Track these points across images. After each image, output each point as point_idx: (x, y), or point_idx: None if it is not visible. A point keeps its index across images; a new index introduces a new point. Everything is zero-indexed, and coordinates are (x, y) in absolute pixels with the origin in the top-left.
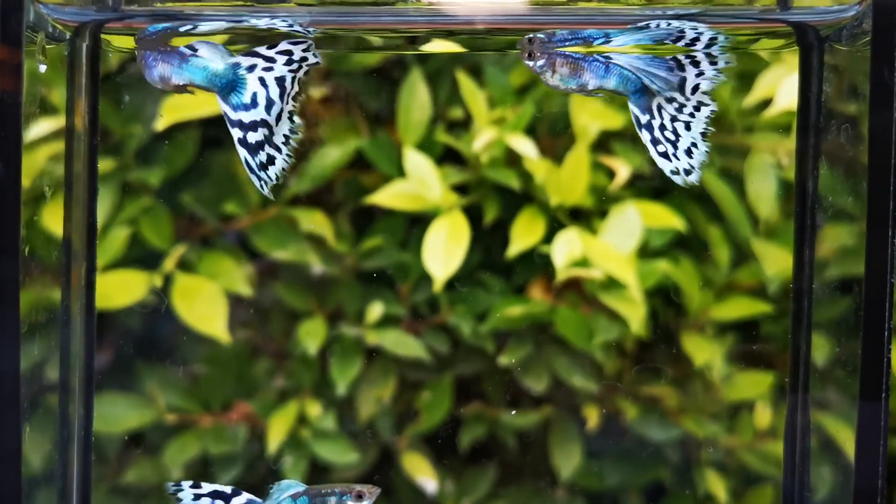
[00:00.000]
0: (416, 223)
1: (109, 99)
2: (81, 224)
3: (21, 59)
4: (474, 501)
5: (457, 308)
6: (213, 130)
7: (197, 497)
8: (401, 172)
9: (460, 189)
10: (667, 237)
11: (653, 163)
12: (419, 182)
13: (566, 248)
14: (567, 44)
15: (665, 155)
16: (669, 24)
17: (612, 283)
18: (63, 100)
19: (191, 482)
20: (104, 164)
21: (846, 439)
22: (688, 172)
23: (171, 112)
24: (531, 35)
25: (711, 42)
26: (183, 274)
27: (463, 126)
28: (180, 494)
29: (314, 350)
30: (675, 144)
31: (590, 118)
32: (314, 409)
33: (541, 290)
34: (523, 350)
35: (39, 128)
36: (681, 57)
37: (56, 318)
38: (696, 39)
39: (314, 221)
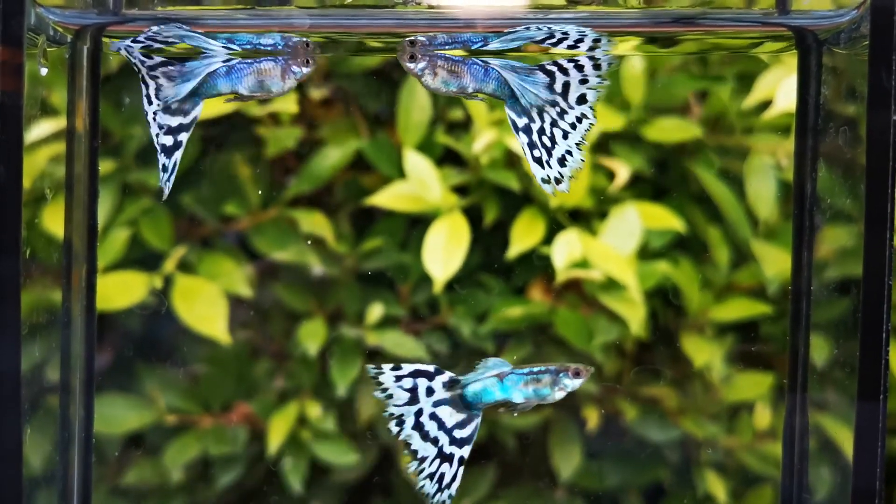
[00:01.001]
0: (416, 224)
1: (110, 101)
2: (82, 225)
3: (22, 61)
4: (474, 502)
5: (457, 309)
6: (214, 131)
7: (398, 378)
8: (401, 173)
9: (460, 190)
10: (666, 238)
11: (654, 163)
12: (419, 183)
13: (566, 250)
14: (447, 47)
15: (539, 161)
16: (550, 28)
17: (611, 284)
18: (64, 102)
19: (391, 364)
20: (104, 166)
21: (845, 440)
22: (558, 181)
23: None
24: (412, 38)
25: (595, 45)
26: (183, 275)
27: (463, 127)
28: (381, 378)
29: (314, 351)
30: (549, 151)
31: None
32: (314, 410)
33: (540, 291)
34: (523, 351)
35: (40, 129)
36: (563, 62)
37: (56, 319)
38: (579, 41)
39: (314, 222)
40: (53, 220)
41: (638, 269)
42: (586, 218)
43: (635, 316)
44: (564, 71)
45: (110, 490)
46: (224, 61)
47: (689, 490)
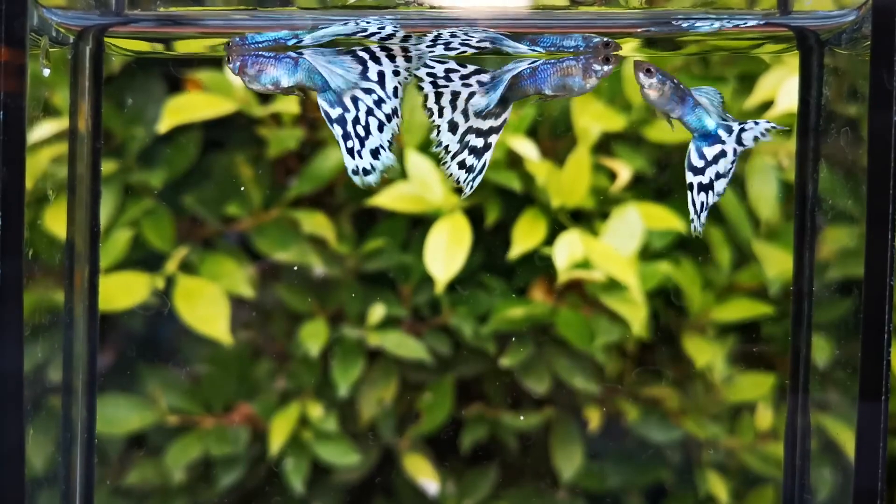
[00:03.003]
0: (418, 225)
1: (112, 101)
2: (84, 226)
3: (25, 62)
4: (476, 503)
5: (458, 309)
6: (215, 132)
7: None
8: (402, 174)
9: (462, 191)
10: (668, 239)
11: (655, 164)
12: (421, 184)
13: (567, 250)
14: (261, 44)
15: (351, 152)
16: (368, 22)
17: (613, 285)
18: (66, 102)
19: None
20: (107, 167)
21: (846, 440)
22: (367, 173)
23: (174, 114)
24: (231, 40)
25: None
26: (185, 275)
27: None
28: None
29: (316, 351)
30: (363, 142)
31: (591, 120)
32: (316, 411)
33: (542, 291)
34: (524, 351)
35: (43, 130)
36: (375, 49)
37: (59, 319)
38: (391, 35)
39: (316, 223)
40: (56, 221)
41: (639, 270)
42: (588, 218)
43: (637, 316)
44: (377, 59)
45: (112, 490)
46: (530, 63)
47: (691, 491)
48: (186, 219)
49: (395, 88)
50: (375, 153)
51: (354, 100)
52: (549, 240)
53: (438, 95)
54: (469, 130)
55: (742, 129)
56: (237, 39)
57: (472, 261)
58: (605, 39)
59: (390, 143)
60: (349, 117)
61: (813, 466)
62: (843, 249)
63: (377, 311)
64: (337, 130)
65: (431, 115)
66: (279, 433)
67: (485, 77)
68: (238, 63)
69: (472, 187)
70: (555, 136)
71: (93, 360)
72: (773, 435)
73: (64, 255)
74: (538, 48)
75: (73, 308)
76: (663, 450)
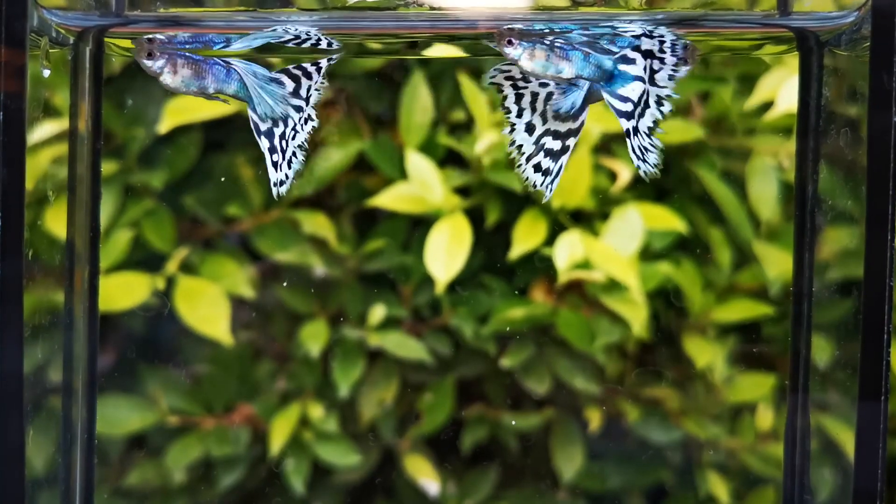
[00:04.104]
0: (418, 225)
1: (112, 102)
2: (84, 226)
3: (25, 62)
4: (476, 503)
5: (459, 310)
6: (216, 133)
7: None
8: (403, 175)
9: (462, 191)
10: (668, 239)
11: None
12: (421, 184)
13: (568, 251)
14: (188, 46)
15: (276, 165)
16: (297, 30)
17: (613, 286)
18: (66, 103)
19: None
20: (107, 167)
21: (846, 441)
22: (281, 183)
23: (174, 115)
24: (150, 36)
25: (318, 41)
26: (185, 276)
27: (465, 128)
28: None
29: (316, 352)
30: (283, 154)
31: (592, 120)
32: (316, 411)
33: (542, 292)
34: (525, 352)
35: (43, 131)
36: (307, 65)
37: (59, 320)
38: (319, 41)
39: (316, 224)
40: (56, 222)
41: (640, 270)
42: (588, 219)
43: (637, 317)
44: (308, 75)
45: (112, 491)
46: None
47: (691, 491)
48: (187, 219)
49: (309, 97)
50: (290, 162)
51: (285, 118)
52: (550, 240)
53: (519, 97)
54: (546, 133)
55: (653, 70)
56: (160, 37)
57: (472, 261)
58: (685, 41)
59: (302, 146)
60: (277, 132)
61: (813, 467)
62: (843, 250)
63: (378, 312)
64: (264, 143)
65: (508, 113)
66: (280, 434)
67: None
68: (166, 60)
69: (551, 191)
70: None
71: (93, 360)
72: (774, 435)
73: (64, 256)
74: (614, 48)
75: (73, 309)
76: (664, 450)
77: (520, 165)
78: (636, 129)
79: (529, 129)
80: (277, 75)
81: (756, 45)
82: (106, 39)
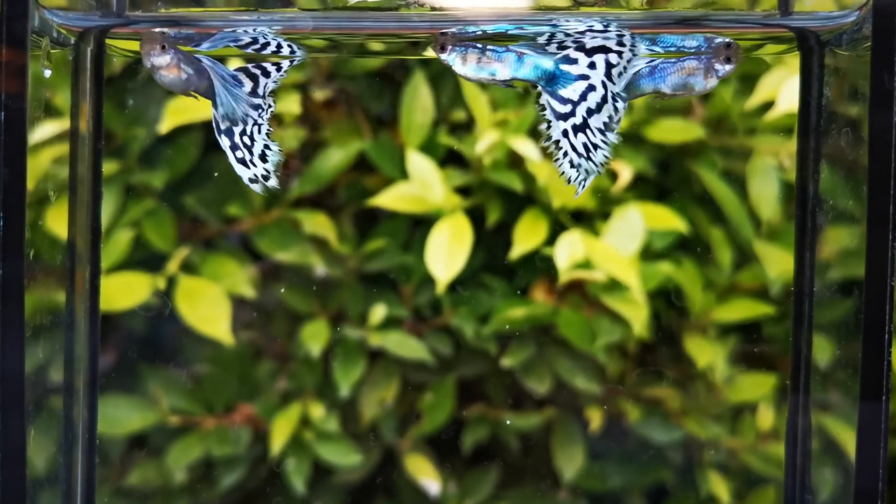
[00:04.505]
0: (419, 225)
1: (113, 102)
2: (85, 226)
3: (26, 63)
4: (477, 503)
5: (459, 310)
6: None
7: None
8: (403, 174)
9: (463, 191)
10: (669, 239)
11: (656, 164)
12: (422, 184)
13: (568, 250)
14: (179, 41)
15: (243, 161)
16: (257, 31)
17: (614, 285)
18: (67, 103)
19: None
20: (108, 167)
21: (847, 440)
22: (265, 178)
23: (175, 115)
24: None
25: (278, 47)
26: (186, 276)
27: (465, 128)
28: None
29: (317, 352)
30: (250, 150)
31: None
32: (317, 411)
33: (543, 291)
34: (526, 352)
35: (44, 131)
36: (267, 65)
37: (60, 320)
38: (266, 44)
39: (317, 223)
40: (57, 222)
41: (640, 270)
42: (589, 219)
43: (638, 317)
44: (267, 73)
45: (113, 491)
46: (647, 62)
47: (692, 491)
48: (187, 219)
49: (266, 93)
50: (263, 157)
51: (244, 119)
52: (551, 240)
53: None
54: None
55: (610, 65)
56: (174, 32)
57: (473, 261)
58: (727, 40)
59: (269, 133)
60: (237, 130)
61: (814, 467)
62: (843, 250)
63: (378, 312)
64: (224, 141)
65: (544, 109)
66: (280, 433)
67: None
68: (173, 56)
69: (584, 187)
70: None
71: (94, 360)
72: (775, 435)
73: (65, 256)
74: (657, 48)
75: (74, 308)
76: (664, 450)
77: (557, 160)
78: (583, 127)
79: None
80: (236, 73)
81: (757, 45)
82: (107, 40)
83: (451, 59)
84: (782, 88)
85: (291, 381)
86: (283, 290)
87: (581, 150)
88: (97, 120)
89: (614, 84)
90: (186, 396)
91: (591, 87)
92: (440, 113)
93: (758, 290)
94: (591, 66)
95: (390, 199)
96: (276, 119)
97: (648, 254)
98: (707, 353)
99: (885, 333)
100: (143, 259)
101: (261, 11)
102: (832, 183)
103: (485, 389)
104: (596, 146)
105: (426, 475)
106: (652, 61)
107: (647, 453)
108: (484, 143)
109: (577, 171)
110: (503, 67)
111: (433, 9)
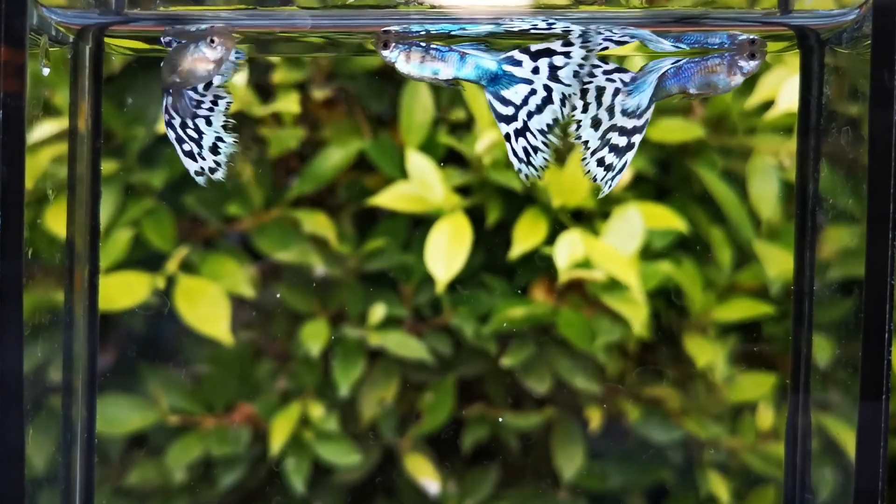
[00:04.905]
0: (419, 225)
1: (112, 101)
2: (84, 226)
3: (24, 61)
4: (477, 503)
5: (459, 309)
6: None
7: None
8: (403, 174)
9: (463, 191)
10: (669, 238)
11: (655, 164)
12: (421, 184)
13: (568, 250)
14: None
15: (191, 155)
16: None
17: (614, 285)
18: (66, 102)
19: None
20: (107, 166)
21: (847, 440)
22: (213, 171)
23: None
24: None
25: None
26: (185, 275)
27: (465, 128)
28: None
29: (317, 351)
30: (199, 143)
31: None
32: (317, 411)
33: (543, 291)
34: (525, 351)
35: (42, 130)
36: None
37: (59, 319)
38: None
39: (317, 223)
40: (56, 221)
41: (640, 270)
42: (589, 218)
43: (638, 316)
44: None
45: (113, 490)
46: (673, 62)
47: (692, 491)
48: (187, 218)
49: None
50: (215, 149)
51: (174, 107)
52: (550, 239)
53: (584, 91)
54: (612, 128)
55: (555, 67)
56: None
57: (472, 260)
58: (751, 37)
59: (225, 126)
60: (176, 123)
61: (814, 466)
62: (843, 249)
63: (378, 311)
64: (171, 134)
65: (574, 109)
66: (280, 433)
67: (626, 76)
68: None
69: (610, 186)
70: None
71: (93, 360)
72: (774, 435)
73: (64, 255)
74: (682, 45)
75: (73, 308)
76: (664, 450)
77: (584, 159)
78: (524, 129)
79: (595, 124)
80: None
81: None
82: (106, 38)
83: (394, 56)
84: (782, 87)
85: (291, 380)
86: (282, 290)
87: (521, 153)
88: (96, 119)
89: (568, 85)
90: (186, 396)
91: (534, 91)
92: (440, 112)
93: (758, 289)
94: (535, 70)
95: (390, 198)
96: (276, 118)
97: (648, 253)
98: (707, 353)
99: (885, 333)
100: (143, 258)
101: (260, 10)
102: (832, 182)
103: (485, 389)
104: (536, 149)
105: (426, 475)
106: (678, 61)
107: (646, 453)
108: (484, 143)
109: (606, 170)
110: (446, 67)
111: (433, 6)
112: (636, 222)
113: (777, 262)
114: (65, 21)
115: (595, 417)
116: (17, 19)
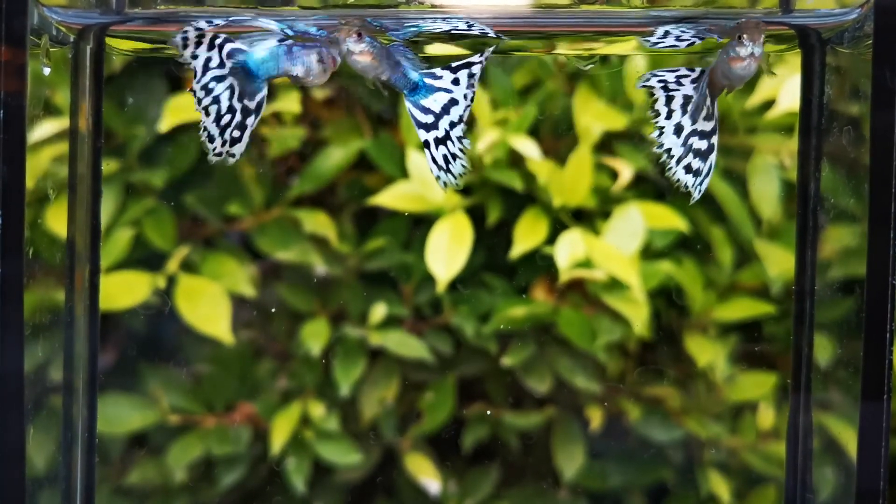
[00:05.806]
0: (420, 224)
1: (113, 101)
2: (85, 225)
3: (25, 61)
4: (477, 502)
5: (460, 309)
6: None
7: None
8: (404, 173)
9: (463, 190)
10: (669, 238)
11: (656, 163)
12: (422, 183)
13: (569, 249)
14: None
15: (211, 138)
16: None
17: (614, 284)
18: (67, 101)
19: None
20: (108, 166)
21: (848, 440)
22: (231, 156)
23: (175, 113)
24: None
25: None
26: (186, 275)
27: (465, 127)
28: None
29: (317, 351)
30: (230, 128)
31: (592, 119)
32: (317, 410)
33: (544, 290)
34: (526, 351)
35: (43, 129)
36: None
37: (59, 319)
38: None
39: (317, 222)
40: (56, 220)
41: (641, 269)
42: (589, 218)
43: (638, 316)
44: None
45: (113, 490)
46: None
47: (693, 490)
48: (188, 218)
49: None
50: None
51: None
52: (551, 239)
53: (669, 99)
54: (692, 133)
55: (471, 76)
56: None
57: (473, 260)
58: (738, 20)
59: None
60: (223, 105)
61: (815, 466)
62: (845, 248)
63: (378, 311)
64: (208, 115)
65: (657, 116)
66: (280, 433)
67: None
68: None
69: (700, 192)
70: (556, 136)
71: (94, 359)
72: (775, 434)
73: (65, 255)
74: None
75: (73, 307)
76: (665, 449)
77: (670, 168)
78: (445, 138)
79: (678, 130)
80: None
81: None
82: (107, 38)
83: (361, 48)
84: (783, 87)
85: (291, 380)
86: (283, 290)
87: (441, 161)
88: (97, 118)
89: (472, 86)
90: (186, 395)
91: (454, 101)
92: None
93: (758, 289)
94: (455, 81)
95: (390, 197)
96: (277, 118)
97: (649, 253)
98: (708, 352)
99: (886, 332)
100: (143, 258)
101: (261, 9)
102: (833, 182)
103: (485, 388)
104: (455, 156)
105: (426, 474)
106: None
107: (647, 452)
108: (484, 142)
109: (695, 176)
110: (392, 70)
111: (433, 6)
112: (637, 222)
113: (778, 262)
114: (65, 21)
115: (595, 417)
116: (17, 19)
